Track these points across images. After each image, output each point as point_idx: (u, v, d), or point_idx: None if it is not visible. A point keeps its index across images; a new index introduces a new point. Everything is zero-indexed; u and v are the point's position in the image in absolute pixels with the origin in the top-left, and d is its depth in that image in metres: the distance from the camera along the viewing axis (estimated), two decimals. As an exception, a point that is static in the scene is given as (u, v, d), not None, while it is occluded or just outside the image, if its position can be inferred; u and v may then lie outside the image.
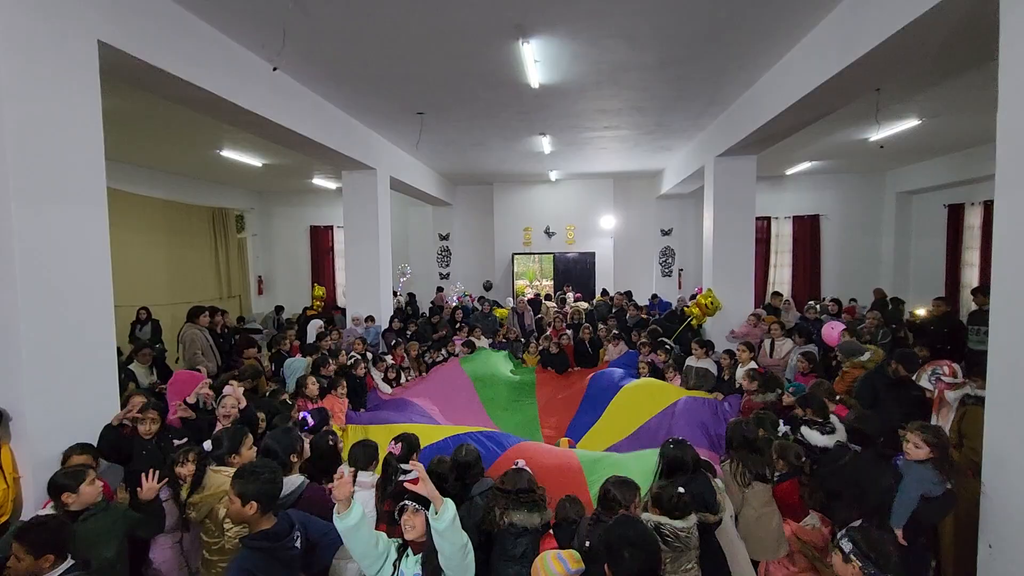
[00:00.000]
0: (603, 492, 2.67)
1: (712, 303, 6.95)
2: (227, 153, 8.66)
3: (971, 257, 10.17)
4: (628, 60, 5.28)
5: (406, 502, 2.13)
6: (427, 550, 2.07)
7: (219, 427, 3.78)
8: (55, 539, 2.10)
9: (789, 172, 11.63)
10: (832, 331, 5.34)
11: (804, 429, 3.59)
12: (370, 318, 8.03)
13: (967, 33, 3.49)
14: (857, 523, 2.25)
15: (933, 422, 3.14)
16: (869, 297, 10.52)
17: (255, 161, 9.32)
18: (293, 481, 2.64)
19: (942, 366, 3.16)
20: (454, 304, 10.36)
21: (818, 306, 8.46)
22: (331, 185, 12.17)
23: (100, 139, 3.34)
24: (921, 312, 7.42)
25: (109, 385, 3.35)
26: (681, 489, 2.72)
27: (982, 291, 6.27)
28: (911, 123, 7.44)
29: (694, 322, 7.42)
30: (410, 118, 7.22)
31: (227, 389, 4.05)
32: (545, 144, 8.65)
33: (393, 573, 2.11)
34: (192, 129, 7.40)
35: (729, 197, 7.65)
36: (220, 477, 2.68)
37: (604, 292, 11.38)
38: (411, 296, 11.56)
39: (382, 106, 6.75)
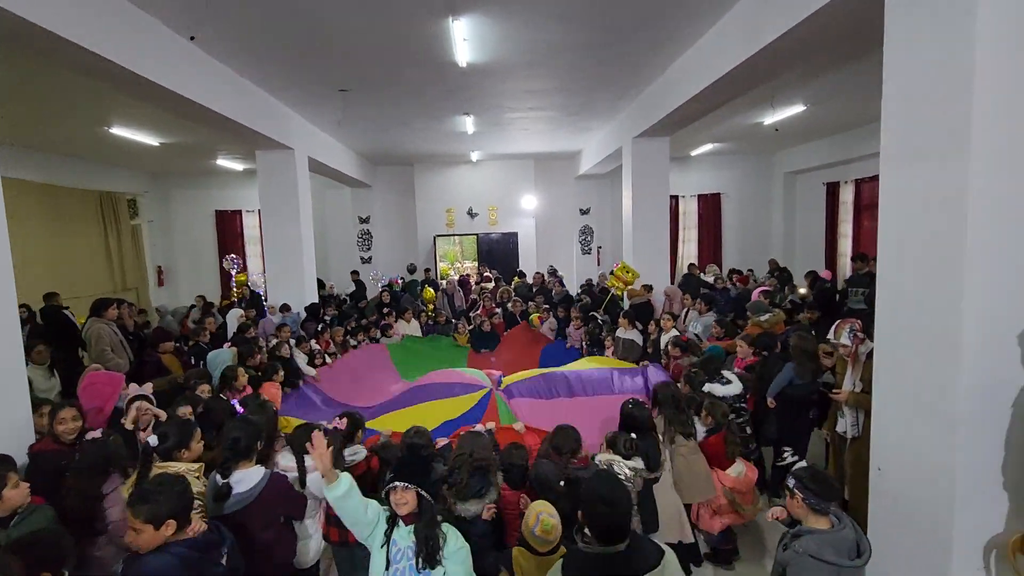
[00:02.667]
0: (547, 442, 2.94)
1: (630, 273, 7.46)
2: (117, 131, 7.82)
3: (845, 229, 11.54)
4: (562, 40, 5.41)
5: (395, 483, 2.15)
6: (419, 522, 2.13)
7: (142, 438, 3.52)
8: (52, 555, 1.95)
9: (694, 153, 12.48)
10: (754, 293, 6.05)
11: (708, 385, 4.09)
12: (285, 307, 7.70)
13: (856, 26, 3.98)
14: (803, 464, 2.56)
15: (848, 375, 3.65)
16: (764, 267, 11.67)
17: (150, 140, 8.49)
18: (256, 473, 2.56)
19: (855, 323, 3.64)
20: (383, 286, 10.20)
21: (723, 276, 9.28)
22: (238, 166, 11.36)
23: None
24: (803, 291, 8.28)
25: (18, 392, 3.03)
26: (633, 435, 3.05)
27: (860, 258, 7.19)
28: (798, 109, 8.27)
29: (618, 291, 7.88)
30: (330, 95, 6.93)
31: (133, 388, 3.71)
32: (468, 124, 8.65)
33: (385, 543, 2.15)
34: (76, 103, 6.61)
35: (646, 177, 8.11)
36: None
37: (521, 274, 11.61)
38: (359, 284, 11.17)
39: (301, 82, 6.43)
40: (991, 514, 2.70)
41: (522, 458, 2.96)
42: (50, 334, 5.96)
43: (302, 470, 2.88)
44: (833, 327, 3.71)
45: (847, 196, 11.43)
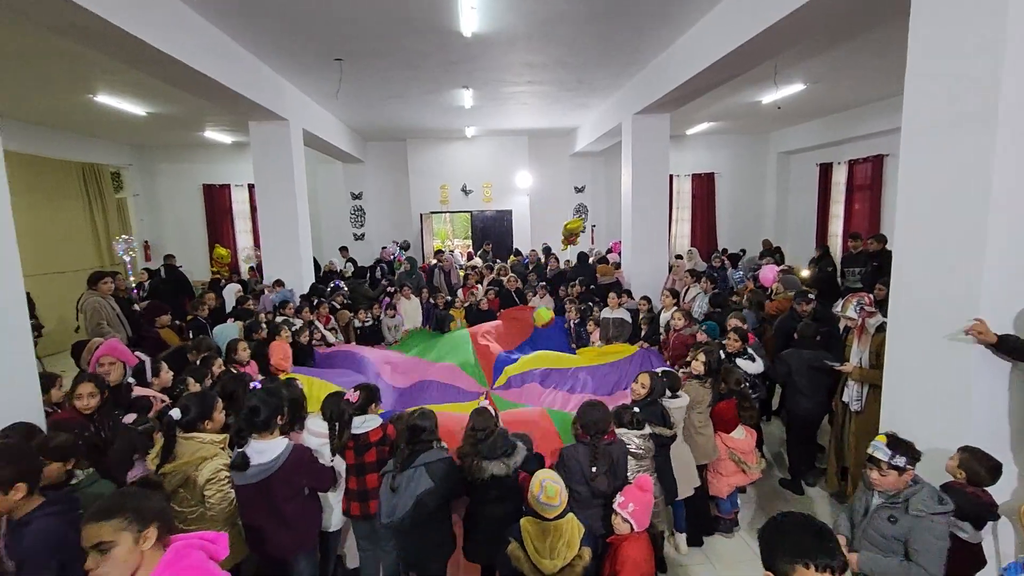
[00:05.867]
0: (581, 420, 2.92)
1: (572, 228, 7.70)
2: (102, 99, 7.53)
3: (837, 210, 11.65)
4: (561, 11, 5.30)
5: None
6: None
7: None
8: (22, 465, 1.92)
9: (689, 132, 12.44)
10: (769, 272, 6.12)
11: (739, 360, 4.14)
12: (279, 282, 7.60)
13: (865, 2, 3.95)
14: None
15: (855, 347, 3.73)
16: (757, 247, 11.78)
17: (137, 109, 8.20)
18: (277, 445, 2.54)
19: (863, 297, 3.71)
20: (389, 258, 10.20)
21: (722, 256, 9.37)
22: (227, 139, 11.06)
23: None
24: (805, 274, 8.40)
25: (26, 367, 2.94)
26: (636, 409, 3.11)
27: (854, 236, 7.28)
28: (798, 87, 8.24)
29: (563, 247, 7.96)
30: (326, 64, 6.72)
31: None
32: (467, 98, 8.48)
33: None
34: (59, 70, 6.33)
35: (645, 154, 8.06)
36: (193, 444, 2.52)
37: (517, 252, 11.60)
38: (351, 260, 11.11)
39: (296, 50, 6.21)
40: (1001, 489, 2.77)
41: (527, 442, 2.97)
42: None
43: (333, 437, 2.87)
44: (841, 300, 3.77)
45: (840, 177, 11.51)
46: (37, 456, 2.09)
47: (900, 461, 2.27)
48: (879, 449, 2.33)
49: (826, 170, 11.93)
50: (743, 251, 12.05)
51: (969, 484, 2.47)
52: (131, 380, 3.38)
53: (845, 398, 3.80)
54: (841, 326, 4.82)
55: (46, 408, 3.12)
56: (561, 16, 5.40)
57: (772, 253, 9.99)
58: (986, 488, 2.47)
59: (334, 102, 8.61)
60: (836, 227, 11.64)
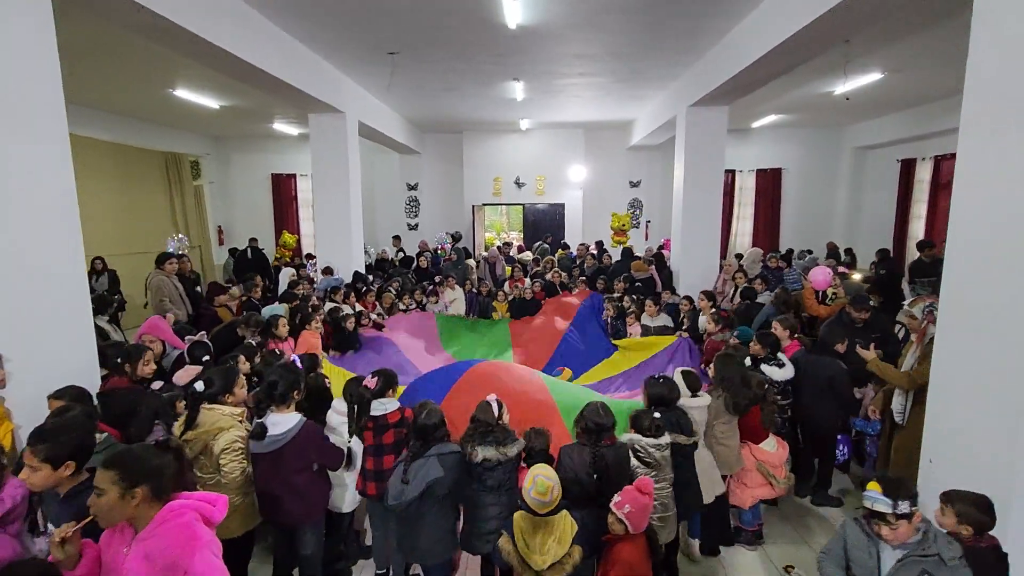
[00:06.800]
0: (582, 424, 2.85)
1: (622, 225, 7.46)
2: (181, 93, 8.13)
3: (919, 210, 10.72)
4: (612, 1, 5.18)
5: None
6: None
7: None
8: (75, 444, 1.99)
9: (755, 125, 11.83)
10: (820, 274, 5.75)
11: (764, 366, 3.93)
12: (327, 269, 7.91)
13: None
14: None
15: (910, 353, 3.50)
16: (822, 249, 11.04)
17: (211, 103, 8.79)
18: (291, 418, 2.69)
19: (937, 303, 3.40)
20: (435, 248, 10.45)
21: (778, 256, 8.87)
22: (293, 131, 11.65)
23: (56, 68, 3.12)
24: (857, 277, 7.82)
25: (85, 337, 3.24)
26: (657, 414, 2.96)
27: (928, 245, 6.67)
28: (874, 76, 7.62)
29: (612, 242, 7.76)
30: (380, 58, 6.92)
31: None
32: (518, 90, 8.47)
33: None
34: (143, 66, 6.89)
35: (700, 148, 7.74)
36: (214, 415, 2.71)
37: (565, 246, 11.51)
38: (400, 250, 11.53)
39: (352, 44, 6.44)
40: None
41: (543, 443, 2.91)
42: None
43: (351, 421, 3.00)
44: (914, 297, 3.53)
45: (924, 174, 10.60)
46: (92, 434, 2.16)
47: (905, 507, 1.96)
48: (879, 501, 1.99)
49: (908, 167, 11.01)
50: (809, 251, 11.34)
51: (975, 536, 2.13)
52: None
53: (893, 406, 3.54)
54: (900, 333, 4.48)
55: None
56: (610, 5, 5.27)
57: (836, 256, 9.33)
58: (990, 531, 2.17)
59: (391, 95, 8.86)
60: (917, 229, 10.73)
